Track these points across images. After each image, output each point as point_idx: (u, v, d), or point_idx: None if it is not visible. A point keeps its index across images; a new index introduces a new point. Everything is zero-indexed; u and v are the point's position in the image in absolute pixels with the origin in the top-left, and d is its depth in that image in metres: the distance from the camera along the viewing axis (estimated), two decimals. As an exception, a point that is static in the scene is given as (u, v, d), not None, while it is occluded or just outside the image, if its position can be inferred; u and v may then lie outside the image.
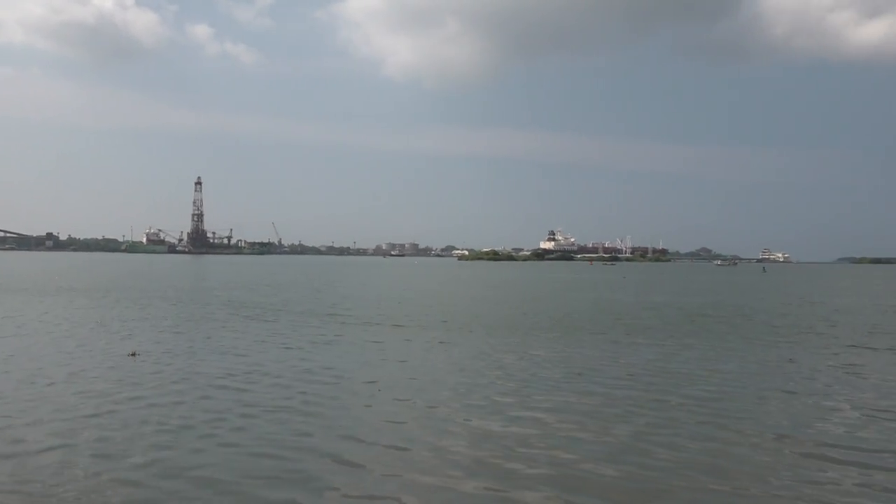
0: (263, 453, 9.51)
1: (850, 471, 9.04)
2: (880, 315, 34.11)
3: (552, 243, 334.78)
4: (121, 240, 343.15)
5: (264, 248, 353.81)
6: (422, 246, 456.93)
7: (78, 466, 8.83)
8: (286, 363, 16.77)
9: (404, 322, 26.79)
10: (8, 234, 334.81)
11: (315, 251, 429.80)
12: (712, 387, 14.42)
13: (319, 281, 64.82)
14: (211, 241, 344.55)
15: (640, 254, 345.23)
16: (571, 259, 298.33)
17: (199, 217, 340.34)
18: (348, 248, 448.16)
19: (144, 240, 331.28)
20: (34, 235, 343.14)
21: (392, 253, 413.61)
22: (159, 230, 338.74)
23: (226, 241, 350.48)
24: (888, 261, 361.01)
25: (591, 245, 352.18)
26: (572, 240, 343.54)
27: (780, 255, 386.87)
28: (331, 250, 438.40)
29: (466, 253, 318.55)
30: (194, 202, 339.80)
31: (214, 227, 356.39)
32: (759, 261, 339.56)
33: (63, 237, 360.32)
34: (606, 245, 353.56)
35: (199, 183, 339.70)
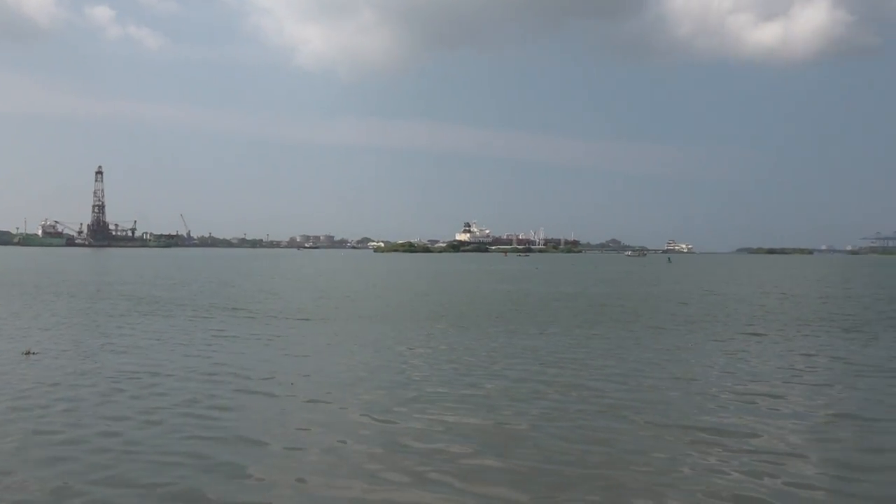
0: (160, 459, 9.07)
1: (742, 458, 9.36)
2: (773, 302, 36.05)
3: (468, 235, 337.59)
4: (14, 232, 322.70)
5: (171, 241, 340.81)
6: (337, 238, 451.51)
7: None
8: (187, 360, 16.13)
9: (314, 315, 26.32)
10: None
11: (226, 244, 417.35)
12: (615, 376, 14.74)
13: (229, 274, 62.99)
14: (113, 233, 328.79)
15: (552, 245, 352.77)
16: (486, 250, 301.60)
17: (100, 208, 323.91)
18: (261, 240, 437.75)
19: (40, 232, 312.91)
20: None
21: (306, 245, 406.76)
22: (56, 222, 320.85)
23: (129, 233, 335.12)
24: (781, 251, 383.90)
25: (505, 237, 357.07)
26: (487, 231, 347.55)
27: (684, 246, 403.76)
28: (243, 243, 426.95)
29: (382, 245, 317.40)
30: (95, 193, 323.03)
31: (117, 218, 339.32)
32: (664, 251, 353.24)
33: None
34: (521, 237, 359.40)
35: (99, 172, 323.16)
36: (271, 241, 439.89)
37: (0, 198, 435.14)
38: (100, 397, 12.23)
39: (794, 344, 20.06)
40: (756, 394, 13.06)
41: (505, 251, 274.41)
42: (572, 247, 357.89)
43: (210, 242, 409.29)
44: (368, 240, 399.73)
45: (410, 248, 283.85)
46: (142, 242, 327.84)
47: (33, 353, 16.56)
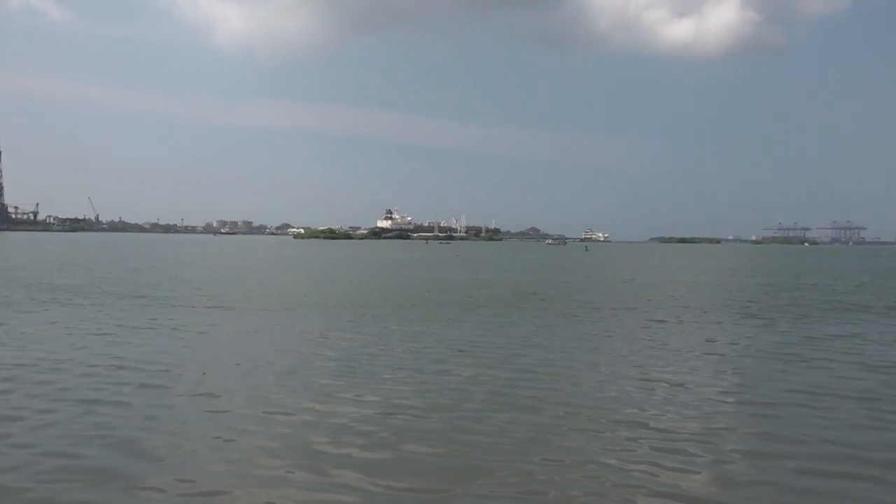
0: (62, 452, 8.51)
1: (647, 444, 9.54)
2: (681, 290, 37.38)
3: (389, 222, 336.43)
4: None
5: (77, 225, 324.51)
6: (256, 224, 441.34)
7: None
8: (91, 350, 15.28)
9: (223, 304, 25.50)
10: None
11: (138, 229, 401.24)
12: (525, 364, 14.83)
13: (139, 260, 60.45)
14: (13, 216, 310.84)
15: (474, 233, 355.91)
16: (408, 238, 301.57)
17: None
18: (175, 225, 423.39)
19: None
20: None
21: (222, 231, 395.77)
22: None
23: (31, 216, 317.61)
24: (692, 240, 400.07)
25: (427, 224, 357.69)
26: (409, 219, 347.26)
27: (600, 234, 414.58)
28: (155, 228, 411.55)
29: (302, 231, 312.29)
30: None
31: (17, 201, 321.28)
32: (582, 240, 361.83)
33: None
34: (442, 224, 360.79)
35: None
36: (186, 227, 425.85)
37: None
38: (-16, 392, 11.39)
39: (700, 330, 20.78)
40: (662, 380, 13.38)
41: (426, 238, 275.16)
42: (493, 235, 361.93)
43: (121, 227, 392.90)
44: (288, 226, 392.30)
45: (331, 234, 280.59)
46: (44, 226, 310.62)
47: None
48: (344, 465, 8.35)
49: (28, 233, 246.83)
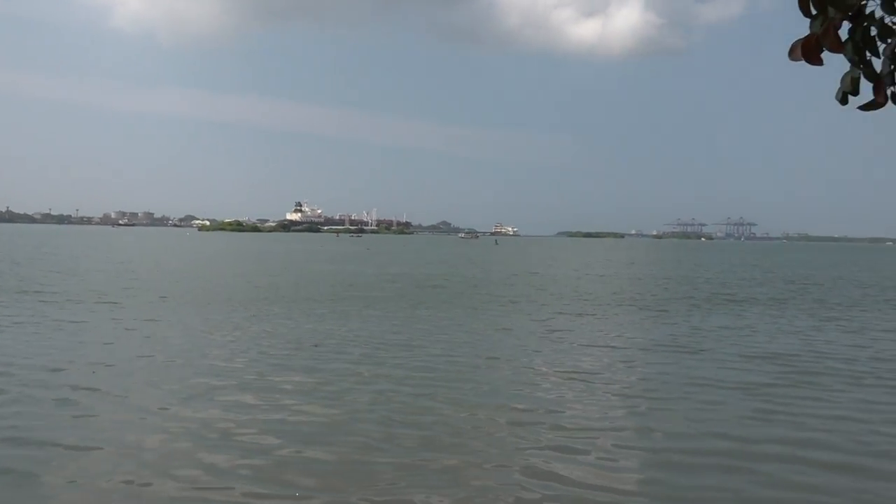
0: None
1: (552, 436, 9.50)
2: (584, 283, 38.26)
3: (299, 215, 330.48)
4: None
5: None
6: (158, 215, 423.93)
7: None
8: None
9: (119, 299, 24.10)
10: None
11: (27, 219, 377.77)
12: (433, 358, 14.66)
13: (23, 253, 56.66)
14: None
15: (385, 226, 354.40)
16: (318, 231, 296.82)
17: None
18: (69, 216, 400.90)
19: None
20: None
21: (121, 222, 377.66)
22: None
23: None
24: (597, 235, 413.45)
25: (338, 217, 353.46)
26: (319, 211, 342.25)
27: (510, 228, 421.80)
28: (47, 218, 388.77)
29: (208, 223, 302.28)
30: None
31: None
32: (492, 234, 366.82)
33: None
34: (353, 217, 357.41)
35: None
36: (81, 218, 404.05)
37: None
38: None
39: (598, 323, 21.21)
40: (558, 374, 13.47)
41: (337, 232, 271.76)
42: (404, 228, 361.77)
43: (7, 217, 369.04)
44: (193, 218, 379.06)
45: (238, 227, 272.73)
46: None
47: None
48: (222, 472, 7.86)
49: None
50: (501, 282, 38.17)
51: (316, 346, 15.87)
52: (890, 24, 3.39)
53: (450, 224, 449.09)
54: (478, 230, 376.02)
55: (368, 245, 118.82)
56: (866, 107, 3.56)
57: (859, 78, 3.46)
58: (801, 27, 3.63)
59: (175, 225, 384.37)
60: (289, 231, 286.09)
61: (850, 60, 3.45)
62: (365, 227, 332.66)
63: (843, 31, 3.54)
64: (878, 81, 3.46)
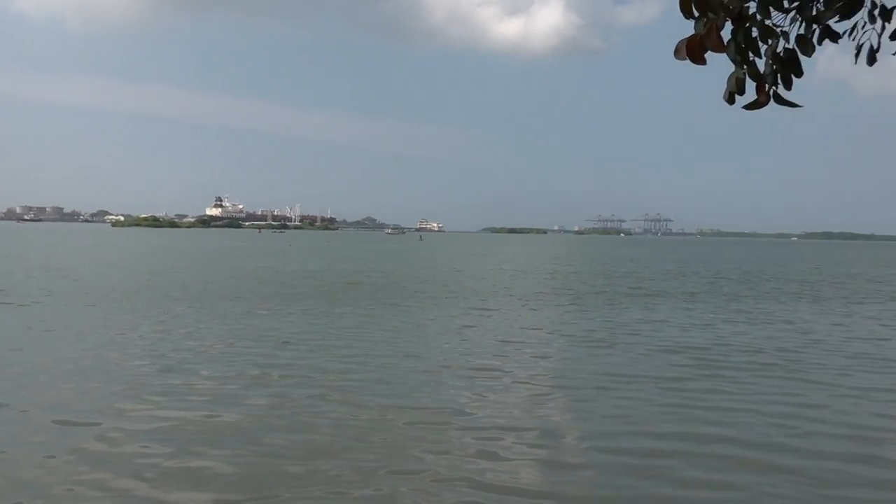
0: None
1: (466, 435, 9.45)
2: (507, 278, 38.68)
3: (219, 210, 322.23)
4: None
5: None
6: (67, 210, 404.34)
7: None
8: None
9: (17, 300, 22.77)
10: None
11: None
12: (347, 357, 14.42)
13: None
14: None
15: (309, 222, 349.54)
16: (240, 226, 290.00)
17: None
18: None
19: None
20: None
21: (27, 217, 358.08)
22: None
23: None
24: (521, 230, 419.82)
25: (260, 212, 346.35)
26: (240, 207, 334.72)
27: (435, 224, 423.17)
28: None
29: (122, 219, 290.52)
30: None
31: None
32: (417, 230, 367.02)
33: None
34: (276, 213, 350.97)
35: None
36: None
37: None
38: None
39: (519, 318, 21.42)
40: (479, 369, 13.48)
41: (259, 227, 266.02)
42: (329, 224, 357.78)
43: None
44: (106, 213, 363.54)
45: (155, 222, 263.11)
46: None
47: None
48: (132, 478, 7.46)
49: None
50: (423, 278, 38.12)
51: (231, 344, 15.40)
52: (771, 25, 3.46)
53: (375, 220, 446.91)
54: (403, 226, 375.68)
55: (291, 241, 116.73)
56: (750, 106, 3.63)
57: (744, 78, 3.52)
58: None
59: (86, 220, 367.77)
60: (209, 227, 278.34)
61: (733, 61, 3.50)
62: (288, 223, 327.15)
63: (729, 33, 3.61)
64: (761, 81, 3.53)
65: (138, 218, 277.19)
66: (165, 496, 7.14)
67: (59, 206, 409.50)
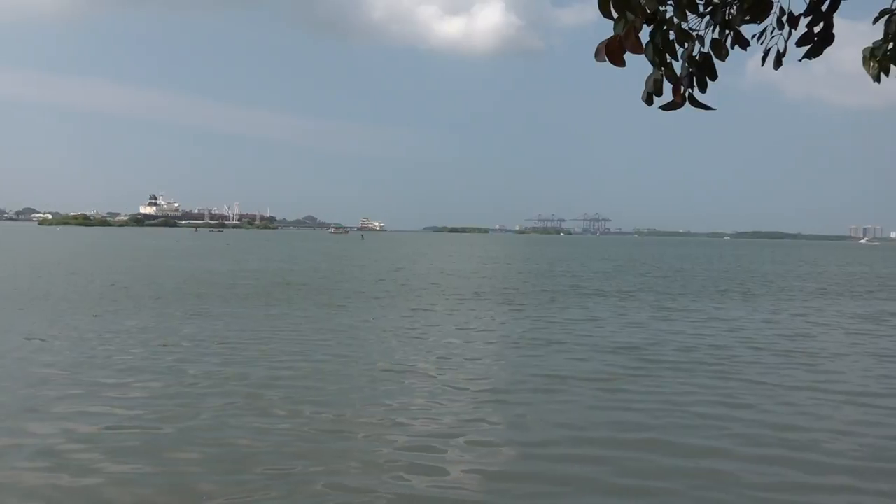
0: None
1: (399, 441, 9.31)
2: (448, 278, 38.71)
3: (154, 208, 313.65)
4: None
5: None
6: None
7: None
8: None
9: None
10: None
11: None
12: (278, 360, 14.07)
13: None
14: None
15: (248, 221, 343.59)
16: (176, 225, 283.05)
17: None
18: None
19: None
20: None
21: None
22: None
23: None
24: (462, 230, 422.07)
25: (197, 211, 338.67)
26: (176, 205, 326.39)
27: (376, 223, 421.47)
28: None
29: (50, 217, 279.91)
30: None
31: None
32: (359, 229, 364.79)
33: None
34: (213, 211, 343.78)
35: None
36: None
37: None
38: None
39: (458, 318, 21.39)
40: (416, 372, 13.38)
41: (196, 226, 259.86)
42: (268, 223, 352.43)
43: None
44: (32, 210, 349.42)
45: (85, 221, 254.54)
46: None
47: None
48: (22, 499, 7.10)
49: None
50: (363, 278, 37.83)
51: (165, 345, 14.93)
52: (687, 29, 3.50)
53: (316, 219, 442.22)
54: (344, 225, 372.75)
55: (229, 240, 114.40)
56: (666, 107, 3.66)
57: (662, 80, 3.55)
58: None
59: (11, 219, 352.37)
60: (142, 225, 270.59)
61: (651, 63, 3.53)
62: (226, 222, 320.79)
63: (647, 35, 3.64)
64: (677, 83, 3.57)
65: (67, 216, 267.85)
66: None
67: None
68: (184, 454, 8.41)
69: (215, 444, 8.79)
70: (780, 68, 3.61)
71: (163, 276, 35.52)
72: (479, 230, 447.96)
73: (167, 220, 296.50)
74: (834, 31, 3.33)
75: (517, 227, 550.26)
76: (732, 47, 3.43)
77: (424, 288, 31.97)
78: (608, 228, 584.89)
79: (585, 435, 9.56)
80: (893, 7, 3.43)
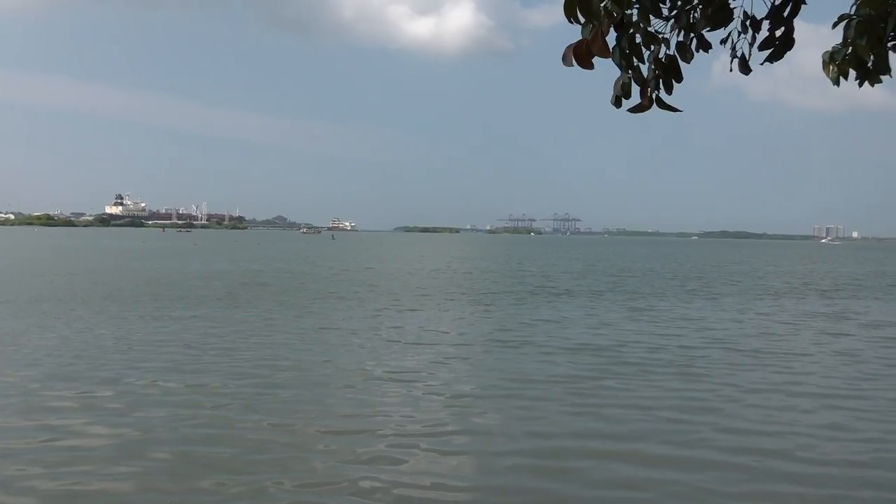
0: None
1: (370, 443, 9.24)
2: (418, 278, 38.65)
3: (120, 208, 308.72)
4: None
5: None
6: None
7: None
8: None
9: None
10: None
11: None
12: (247, 362, 13.88)
13: None
14: None
15: (216, 221, 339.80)
16: (142, 226, 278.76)
17: None
18: None
19: None
20: None
21: None
22: None
23: None
24: (434, 230, 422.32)
25: (164, 211, 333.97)
26: (143, 205, 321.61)
27: (347, 223, 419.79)
28: None
29: (12, 217, 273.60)
30: None
31: None
32: (329, 229, 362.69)
33: None
34: (181, 211, 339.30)
35: None
36: None
37: None
38: None
39: (427, 320, 21.31)
40: (388, 372, 13.25)
41: (163, 227, 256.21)
42: (237, 223, 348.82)
43: None
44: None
45: (49, 221, 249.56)
46: None
47: None
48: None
49: None
50: (332, 278, 37.61)
51: (116, 353, 14.61)
52: (653, 32, 3.54)
53: (286, 219, 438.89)
54: (315, 225, 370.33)
55: (196, 241, 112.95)
56: (634, 109, 3.69)
57: (630, 82, 3.58)
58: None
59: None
60: (108, 226, 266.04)
61: (618, 66, 3.56)
62: (194, 222, 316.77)
63: (613, 39, 3.67)
64: (644, 85, 3.61)
65: (30, 216, 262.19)
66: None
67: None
68: (139, 463, 8.19)
69: (172, 453, 8.56)
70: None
71: (127, 277, 34.92)
72: (451, 230, 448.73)
73: (134, 221, 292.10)
74: (795, 36, 3.39)
75: (488, 227, 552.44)
76: (697, 51, 3.48)
77: (392, 288, 31.86)
78: (578, 228, 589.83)
79: (551, 444, 9.32)
80: (852, 12, 3.51)
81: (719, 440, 9.50)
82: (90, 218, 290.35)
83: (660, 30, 3.60)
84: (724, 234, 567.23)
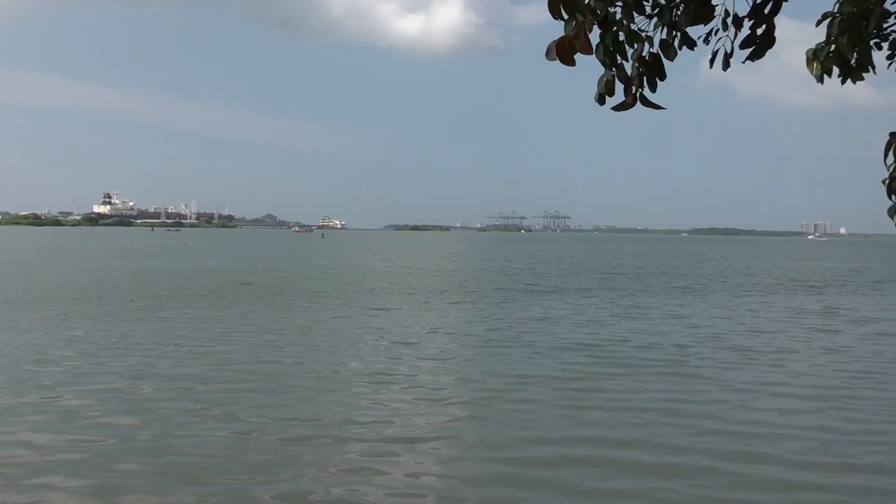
0: None
1: (355, 447, 9.17)
2: (406, 277, 38.59)
3: (108, 207, 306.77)
4: None
5: None
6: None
7: None
8: None
9: None
10: None
11: None
12: (229, 362, 13.77)
13: None
14: None
15: (206, 219, 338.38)
16: (131, 225, 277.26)
17: None
18: None
19: None
20: None
21: None
22: None
23: None
24: (424, 228, 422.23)
25: (153, 210, 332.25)
26: (131, 204, 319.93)
27: (337, 222, 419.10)
28: None
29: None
30: None
31: None
32: (319, 227, 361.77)
33: None
34: (170, 210, 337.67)
35: None
36: None
37: None
38: None
39: (416, 318, 21.28)
40: (373, 373, 13.15)
41: (152, 226, 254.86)
42: (227, 222, 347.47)
43: None
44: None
45: (36, 220, 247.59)
46: None
47: None
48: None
49: None
50: (320, 277, 37.51)
51: (98, 353, 14.47)
52: (636, 30, 3.53)
53: (276, 217, 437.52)
54: (304, 223, 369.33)
55: (185, 240, 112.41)
56: (618, 107, 3.68)
57: (613, 80, 3.57)
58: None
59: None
60: (96, 225, 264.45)
61: (602, 63, 3.55)
62: (183, 221, 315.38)
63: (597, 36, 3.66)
64: (628, 83, 3.60)
65: (17, 216, 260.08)
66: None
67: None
68: (128, 465, 8.11)
69: (160, 454, 8.47)
70: (732, 69, 3.65)
71: (114, 276, 34.69)
72: (441, 228, 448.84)
73: (122, 220, 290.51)
74: (776, 34, 3.39)
75: (478, 225, 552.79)
76: (680, 48, 3.47)
77: (383, 287, 31.80)
78: (568, 226, 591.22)
79: (542, 443, 9.25)
80: (835, 10, 3.51)
81: (709, 443, 9.38)
82: (78, 217, 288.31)
83: (643, 27, 3.59)
84: (713, 231, 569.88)
